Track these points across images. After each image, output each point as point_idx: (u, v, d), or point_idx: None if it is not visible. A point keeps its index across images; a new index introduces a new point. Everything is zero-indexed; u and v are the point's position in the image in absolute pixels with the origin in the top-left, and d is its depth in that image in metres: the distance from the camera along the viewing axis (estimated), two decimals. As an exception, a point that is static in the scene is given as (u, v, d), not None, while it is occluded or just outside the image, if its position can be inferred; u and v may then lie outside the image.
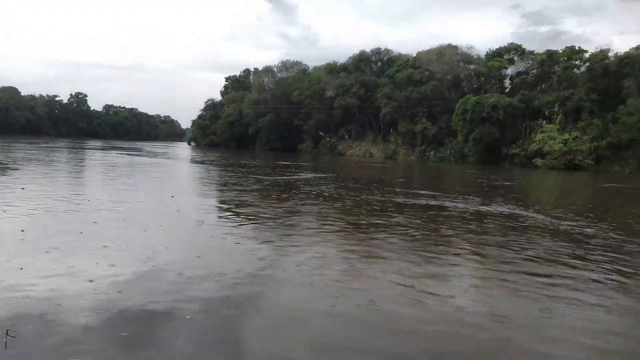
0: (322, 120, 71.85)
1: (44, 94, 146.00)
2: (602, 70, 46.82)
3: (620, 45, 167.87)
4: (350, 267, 6.14)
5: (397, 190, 17.63)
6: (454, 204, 13.67)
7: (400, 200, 14.12)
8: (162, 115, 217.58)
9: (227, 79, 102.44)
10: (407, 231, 8.90)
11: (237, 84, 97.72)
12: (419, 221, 10.24)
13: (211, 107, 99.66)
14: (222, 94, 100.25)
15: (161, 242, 7.10)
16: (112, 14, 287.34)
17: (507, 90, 59.46)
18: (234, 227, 8.68)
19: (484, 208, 13.00)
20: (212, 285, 5.13)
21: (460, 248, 7.62)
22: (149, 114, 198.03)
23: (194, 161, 36.19)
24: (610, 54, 49.10)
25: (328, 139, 71.27)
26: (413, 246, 7.64)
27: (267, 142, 78.05)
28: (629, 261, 7.18)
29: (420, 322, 4.39)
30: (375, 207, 12.21)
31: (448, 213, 11.75)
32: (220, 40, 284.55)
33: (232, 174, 22.70)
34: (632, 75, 44.80)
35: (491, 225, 10.23)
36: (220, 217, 9.94)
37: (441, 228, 9.62)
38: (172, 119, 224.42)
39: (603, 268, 6.64)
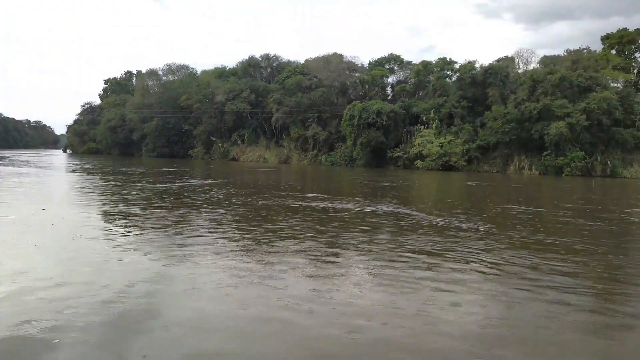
0: (213, 125, 70.39)
1: None
2: (470, 80, 51.86)
3: (486, 57, 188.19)
4: (237, 276, 6.14)
5: (290, 194, 17.89)
6: (342, 205, 14.24)
7: (292, 204, 14.36)
8: (32, 121, 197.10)
9: (106, 82, 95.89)
10: (298, 234, 9.10)
11: (118, 87, 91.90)
12: (309, 224, 10.52)
13: (89, 111, 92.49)
14: (101, 97, 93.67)
15: (32, 259, 6.47)
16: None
17: (389, 97, 63.36)
18: (112, 240, 8.19)
19: (369, 208, 13.73)
20: (86, 303, 4.81)
21: (346, 248, 7.98)
22: (17, 119, 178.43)
23: (69, 170, 33.25)
24: (477, 65, 54.70)
25: (220, 144, 69.97)
26: (302, 249, 7.84)
27: (154, 149, 74.38)
28: (491, 250, 8.09)
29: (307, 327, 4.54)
30: (267, 212, 12.29)
31: (337, 214, 12.21)
32: (99, 40, 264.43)
33: (113, 183, 21.29)
34: (495, 84, 50.29)
35: (376, 224, 10.85)
36: (99, 230, 9.30)
37: (328, 230, 9.98)
38: (44, 124, 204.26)
39: (467, 259, 7.41)
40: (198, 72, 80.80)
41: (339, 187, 24.54)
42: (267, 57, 77.54)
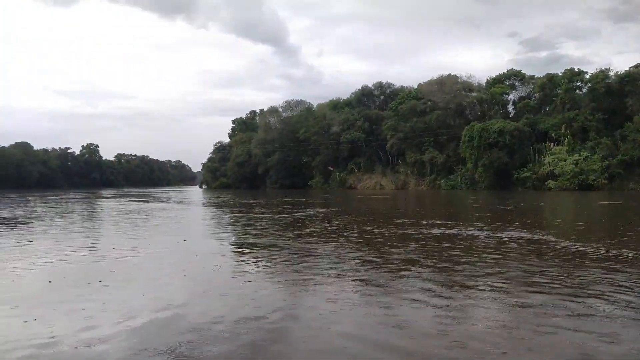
0: (330, 155, 72.46)
1: (57, 147, 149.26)
2: (604, 89, 47.01)
3: (620, 64, 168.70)
4: (372, 304, 6.07)
5: (408, 221, 17.52)
6: (465, 232, 13.53)
7: (410, 231, 14.03)
8: (172, 161, 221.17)
9: (234, 122, 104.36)
10: (416, 265, 8.81)
11: (244, 126, 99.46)
12: (435, 251, 10.14)
13: (220, 150, 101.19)
14: (230, 136, 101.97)
15: (182, 288, 7.09)
16: (116, 65, 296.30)
17: (511, 115, 59.80)
18: (246, 270, 8.65)
19: (497, 235, 12.85)
20: (232, 329, 5.09)
21: (479, 278, 7.51)
22: (160, 159, 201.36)
23: (204, 204, 36.42)
24: (611, 73, 49.47)
25: (337, 173, 71.61)
26: (432, 277, 7.55)
27: (276, 181, 78.60)
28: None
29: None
30: (383, 240, 12.13)
31: (459, 242, 11.62)
32: (224, 85, 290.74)
33: (240, 215, 22.76)
34: (635, 93, 44.88)
35: (511, 253, 10.09)
36: (235, 260, 9.93)
37: (457, 257, 9.50)
38: (183, 164, 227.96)
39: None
40: (314, 106, 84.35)
41: (460, 212, 23.47)
42: (379, 86, 78.44)
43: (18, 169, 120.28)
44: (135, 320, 5.39)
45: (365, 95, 78.65)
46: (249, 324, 5.22)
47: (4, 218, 22.75)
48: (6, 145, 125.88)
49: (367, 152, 70.23)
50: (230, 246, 12.08)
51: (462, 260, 8.96)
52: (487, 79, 64.72)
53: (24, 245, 12.21)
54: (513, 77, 62.54)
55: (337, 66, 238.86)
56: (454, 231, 13.67)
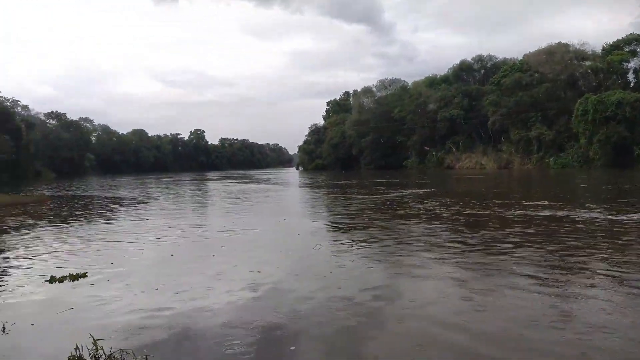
0: (426, 135, 70.36)
1: (168, 133, 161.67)
2: None
3: None
4: (469, 291, 5.79)
5: (513, 202, 16.46)
6: (578, 214, 12.39)
7: (517, 212, 13.15)
8: (270, 144, 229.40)
9: (328, 104, 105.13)
10: (526, 249, 8.21)
11: (338, 107, 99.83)
12: (541, 235, 9.41)
13: (315, 132, 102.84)
14: (325, 118, 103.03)
15: (285, 266, 7.33)
16: (221, 54, 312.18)
17: (631, 85, 53.40)
18: (342, 250, 8.70)
19: (616, 218, 11.59)
20: (321, 307, 5.14)
21: (586, 264, 6.83)
22: (259, 143, 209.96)
23: (301, 185, 37.39)
24: None
25: (434, 152, 69.42)
26: (537, 262, 7.01)
27: (371, 161, 78.25)
28: None
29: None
30: (493, 223, 11.50)
31: (572, 225, 10.65)
32: (319, 67, 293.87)
33: (335, 195, 22.97)
34: None
35: (625, 237, 9.05)
36: (333, 240, 10.04)
37: (565, 241, 8.72)
38: (280, 147, 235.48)
39: None
40: (409, 84, 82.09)
41: (572, 193, 21.56)
42: (479, 59, 74.13)
43: (135, 154, 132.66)
44: (241, 294, 5.65)
45: (463, 70, 74.85)
46: (344, 304, 5.22)
47: (123, 198, 25.25)
48: (124, 132, 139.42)
49: (466, 130, 67.10)
50: (327, 226, 12.23)
51: (571, 245, 8.20)
52: (604, 46, 58.14)
53: (143, 223, 13.43)
54: (634, 43, 55.45)
55: (433, 41, 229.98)
56: (565, 213, 12.58)
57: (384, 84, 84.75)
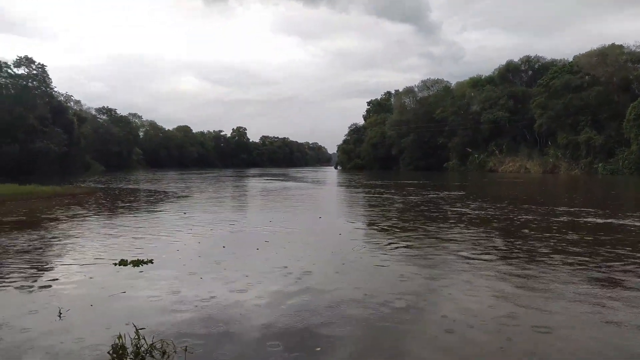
0: (469, 136, 68.94)
1: (211, 130, 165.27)
2: None
3: None
4: (502, 295, 5.67)
5: (560, 209, 15.91)
6: (626, 222, 11.84)
7: (562, 219, 12.71)
8: (310, 143, 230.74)
9: (369, 103, 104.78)
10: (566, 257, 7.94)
11: (378, 107, 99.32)
12: (588, 243, 9.07)
13: (355, 132, 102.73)
14: (365, 118, 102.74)
15: (324, 263, 7.40)
16: (265, 54, 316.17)
17: (694, 87, 50.47)
18: (379, 250, 8.67)
19: (670, 227, 11.01)
20: (353, 307, 5.16)
21: (622, 276, 6.53)
22: (299, 142, 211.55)
23: (339, 184, 37.40)
24: None
25: (476, 155, 67.89)
26: (584, 273, 6.77)
27: (410, 162, 77.43)
28: None
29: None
30: (538, 230, 11.17)
31: (622, 234, 10.19)
32: (362, 67, 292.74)
33: (371, 195, 22.85)
34: None
35: (681, 248, 8.58)
36: (370, 240, 10.02)
37: (613, 251, 8.37)
38: (320, 145, 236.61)
39: None
40: (452, 85, 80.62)
41: (623, 200, 20.60)
42: (527, 60, 71.86)
43: (180, 149, 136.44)
44: (282, 290, 5.76)
45: (510, 71, 72.72)
46: (382, 308, 5.22)
47: (167, 192, 26.05)
48: (170, 128, 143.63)
49: (510, 133, 65.22)
50: (365, 226, 12.21)
51: (618, 254, 7.85)
52: (663, 46, 55.20)
53: (187, 216, 13.84)
54: (700, 42, 52.43)
55: (481, 41, 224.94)
56: (615, 221, 12.05)
57: (426, 85, 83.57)
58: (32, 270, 7.04)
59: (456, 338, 4.26)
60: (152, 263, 7.35)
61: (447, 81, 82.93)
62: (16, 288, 6.04)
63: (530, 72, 71.77)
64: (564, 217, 13.07)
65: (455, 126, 70.18)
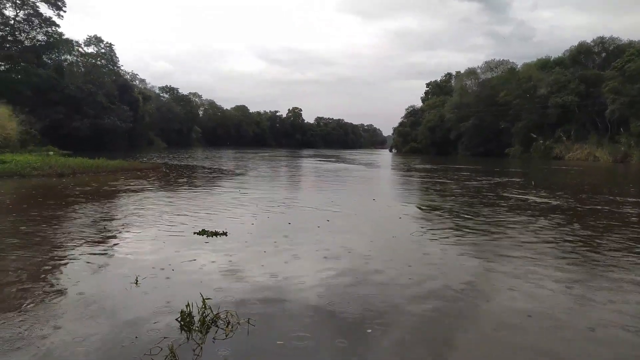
0: (534, 121, 65.63)
1: (267, 110, 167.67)
2: None
3: None
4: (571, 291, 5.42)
5: (631, 199, 14.92)
6: None
7: (632, 210, 11.92)
8: (365, 124, 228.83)
9: (427, 85, 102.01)
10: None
11: (437, 89, 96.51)
12: (662, 238, 8.46)
13: (412, 114, 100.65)
14: (423, 100, 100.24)
15: (382, 248, 7.39)
16: (322, 33, 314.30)
17: None
18: (438, 236, 8.53)
19: None
20: (401, 294, 5.12)
21: None
22: (354, 123, 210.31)
23: (393, 167, 36.96)
24: None
25: (541, 141, 64.68)
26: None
27: (469, 147, 74.99)
28: None
29: None
30: (601, 220, 10.56)
31: None
32: (423, 47, 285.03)
33: (426, 180, 22.39)
34: None
35: None
36: (424, 225, 9.88)
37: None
38: (374, 127, 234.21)
39: None
40: (518, 67, 76.76)
41: None
42: (601, 41, 67.05)
43: (237, 129, 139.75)
44: (335, 269, 5.81)
45: (582, 53, 68.10)
46: (434, 294, 5.15)
47: (225, 170, 26.80)
48: (228, 107, 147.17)
49: (580, 119, 61.48)
50: (419, 210, 12.03)
51: None
52: None
53: (246, 194, 14.20)
54: None
55: (553, 20, 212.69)
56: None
57: (489, 66, 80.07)
58: (113, 240, 7.52)
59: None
60: (226, 235, 7.75)
61: (513, 62, 79.14)
62: (98, 255, 6.46)
63: (603, 55, 66.98)
64: (635, 209, 12.24)
65: (520, 110, 66.99)
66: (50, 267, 5.78)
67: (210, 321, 4.03)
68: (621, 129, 55.83)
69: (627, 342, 3.93)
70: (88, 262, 6.03)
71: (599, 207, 12.74)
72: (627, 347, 3.86)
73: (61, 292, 4.83)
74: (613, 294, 5.17)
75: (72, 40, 60.99)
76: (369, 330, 4.02)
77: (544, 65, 70.65)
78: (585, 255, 7.06)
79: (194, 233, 7.85)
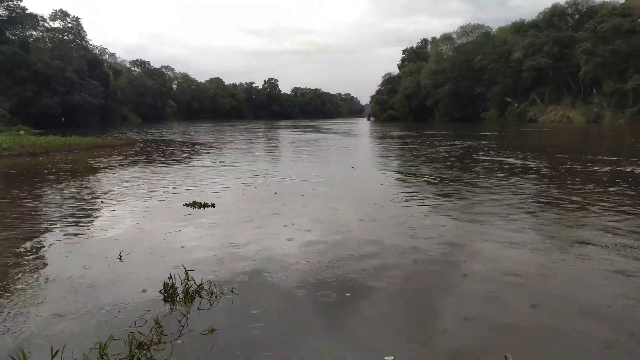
0: (509, 85, 66.19)
1: (243, 82, 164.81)
2: None
3: None
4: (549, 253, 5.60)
5: (604, 158, 15.34)
6: (680, 174, 11.32)
7: (605, 168, 12.28)
8: (342, 94, 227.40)
9: (404, 52, 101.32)
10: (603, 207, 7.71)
11: (414, 56, 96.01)
12: (625, 194, 8.77)
13: (389, 82, 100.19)
14: (399, 67, 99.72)
15: (368, 216, 7.47)
16: (297, 2, 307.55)
17: None
18: (419, 202, 8.65)
19: None
20: (393, 260, 5.23)
21: (690, 226, 6.30)
22: (331, 93, 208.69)
23: (371, 136, 37.04)
24: None
25: (516, 105, 65.41)
26: (615, 225, 6.58)
27: (446, 113, 75.42)
28: None
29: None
30: (574, 178, 10.85)
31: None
32: (401, 14, 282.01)
33: (399, 146, 22.56)
34: None
35: None
36: (404, 190, 10.00)
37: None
38: (352, 96, 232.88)
39: None
40: (493, 31, 76.71)
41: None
42: (574, 3, 67.23)
43: (212, 101, 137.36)
44: (320, 240, 5.87)
45: (556, 15, 68.30)
46: (425, 262, 5.27)
47: (201, 143, 26.47)
48: (203, 80, 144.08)
49: (553, 81, 62.18)
50: (398, 175, 12.16)
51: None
52: None
53: (229, 167, 14.09)
54: None
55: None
56: (663, 173, 11.54)
57: (465, 31, 79.76)
58: (95, 216, 7.43)
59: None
60: (214, 207, 7.80)
61: (488, 26, 79.00)
62: (80, 232, 6.38)
63: (577, 16, 67.34)
64: (606, 167, 12.60)
65: (495, 74, 67.37)
66: (31, 245, 5.71)
67: (194, 292, 4.05)
68: (594, 90, 56.77)
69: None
70: (71, 239, 5.97)
71: (571, 166, 13.07)
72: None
73: (44, 269, 4.79)
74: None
75: (36, 15, 58.46)
76: (348, 294, 4.11)
77: (519, 28, 70.81)
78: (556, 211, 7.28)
79: (184, 205, 7.89)
